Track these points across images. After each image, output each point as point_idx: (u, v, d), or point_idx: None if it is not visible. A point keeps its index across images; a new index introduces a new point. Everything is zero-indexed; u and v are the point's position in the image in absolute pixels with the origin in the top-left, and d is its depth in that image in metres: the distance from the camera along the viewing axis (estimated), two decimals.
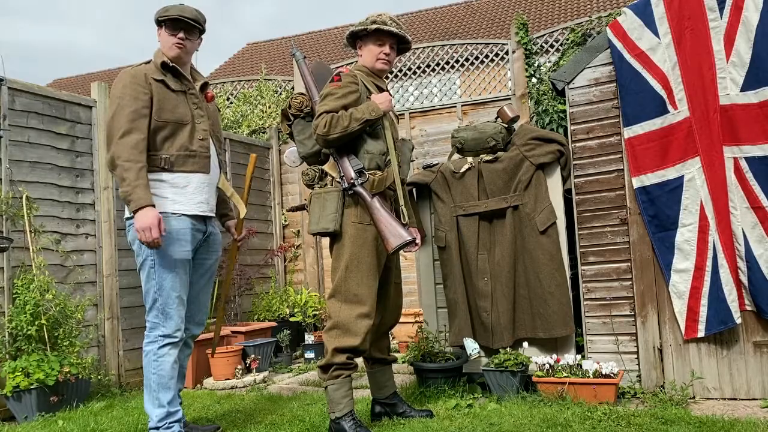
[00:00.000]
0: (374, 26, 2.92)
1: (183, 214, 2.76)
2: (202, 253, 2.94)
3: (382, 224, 2.77)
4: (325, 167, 2.90)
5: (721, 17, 3.15)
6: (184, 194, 2.78)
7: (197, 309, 2.99)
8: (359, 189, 2.79)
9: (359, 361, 2.97)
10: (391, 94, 3.04)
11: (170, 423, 2.73)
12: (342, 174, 2.82)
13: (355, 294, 2.78)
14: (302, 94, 3.00)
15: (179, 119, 2.79)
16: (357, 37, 3.01)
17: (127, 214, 2.79)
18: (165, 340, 2.74)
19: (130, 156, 2.61)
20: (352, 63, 5.96)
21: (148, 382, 2.74)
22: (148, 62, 2.84)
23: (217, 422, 3.21)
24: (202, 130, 2.86)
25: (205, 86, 2.98)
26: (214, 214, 2.98)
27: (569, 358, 3.26)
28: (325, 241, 5.78)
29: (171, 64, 2.82)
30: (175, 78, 2.84)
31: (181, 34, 2.82)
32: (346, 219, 2.83)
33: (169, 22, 2.81)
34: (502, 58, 5.82)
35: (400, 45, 3.04)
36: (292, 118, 3.02)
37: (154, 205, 2.61)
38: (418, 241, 3.13)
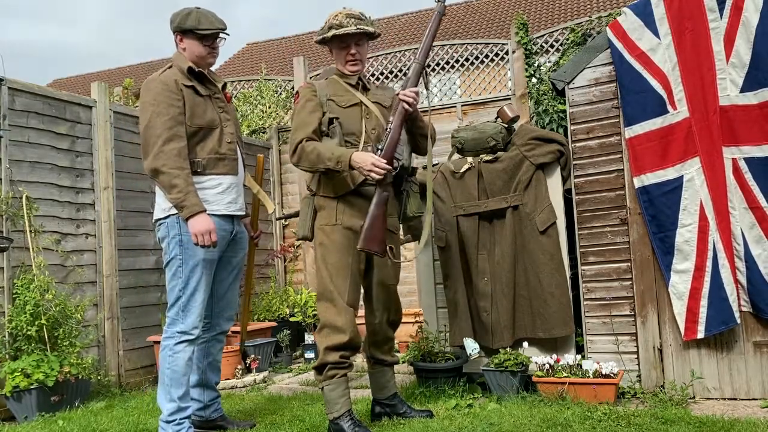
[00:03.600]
0: (331, 33, 2.86)
1: (213, 215, 2.81)
2: (229, 251, 2.99)
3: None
4: (306, 179, 2.96)
5: (721, 18, 3.14)
6: (215, 195, 2.84)
7: (226, 305, 3.07)
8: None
9: (360, 361, 2.97)
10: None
11: (181, 419, 2.77)
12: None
13: (331, 291, 2.82)
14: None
15: (209, 124, 2.85)
16: (324, 42, 2.96)
17: (158, 216, 2.85)
18: (182, 337, 2.80)
19: (176, 164, 2.70)
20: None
21: (162, 376, 2.79)
22: (170, 67, 2.87)
23: None
24: (230, 133, 2.93)
25: (224, 87, 3.03)
26: (243, 213, 3.04)
27: (569, 358, 3.26)
28: None
29: (197, 70, 2.86)
30: (200, 83, 2.88)
31: (215, 43, 2.91)
32: (316, 222, 2.91)
33: (203, 34, 2.85)
34: (502, 58, 5.82)
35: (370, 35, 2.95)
36: None
37: (206, 210, 2.72)
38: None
